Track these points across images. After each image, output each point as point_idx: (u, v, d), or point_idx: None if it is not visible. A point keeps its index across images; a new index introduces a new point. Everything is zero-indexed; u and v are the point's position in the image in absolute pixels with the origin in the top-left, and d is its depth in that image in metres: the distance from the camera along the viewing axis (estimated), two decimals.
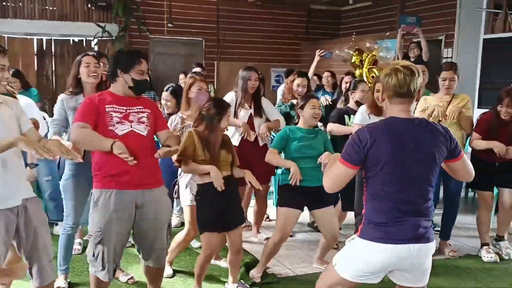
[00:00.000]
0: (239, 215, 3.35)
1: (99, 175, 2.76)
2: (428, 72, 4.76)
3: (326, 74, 6.61)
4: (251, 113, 4.35)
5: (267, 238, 4.00)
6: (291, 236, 4.51)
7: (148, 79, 2.87)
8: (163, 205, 2.89)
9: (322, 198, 3.47)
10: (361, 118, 3.95)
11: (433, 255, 2.32)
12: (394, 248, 2.16)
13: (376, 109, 3.84)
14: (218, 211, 3.16)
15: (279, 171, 3.95)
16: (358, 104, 4.31)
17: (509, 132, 4.03)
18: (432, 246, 2.25)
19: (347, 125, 4.29)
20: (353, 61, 8.70)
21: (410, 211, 2.19)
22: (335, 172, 2.25)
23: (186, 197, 3.52)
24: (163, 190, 2.92)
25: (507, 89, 4.07)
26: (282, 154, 3.66)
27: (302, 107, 3.63)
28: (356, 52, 8.65)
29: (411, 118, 2.21)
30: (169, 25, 9.84)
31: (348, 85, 4.81)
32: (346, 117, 4.34)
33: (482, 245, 4.27)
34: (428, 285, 2.35)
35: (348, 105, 4.48)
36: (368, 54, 8.50)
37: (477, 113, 4.58)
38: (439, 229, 4.30)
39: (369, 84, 8.55)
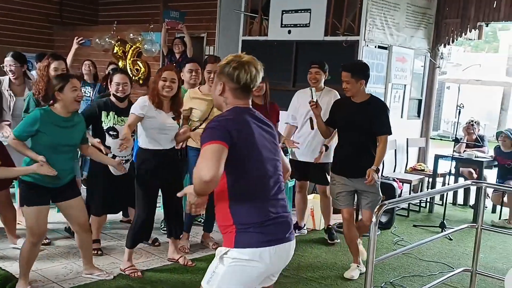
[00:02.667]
0: None
1: None
2: None
3: (86, 62, 5.92)
4: None
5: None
6: (49, 244, 4.15)
7: None
8: None
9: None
10: (141, 108, 3.63)
11: None
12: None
13: (157, 102, 3.63)
14: None
15: None
16: (117, 98, 3.93)
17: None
18: None
19: (103, 122, 3.89)
20: (115, 51, 8.17)
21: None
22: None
23: None
24: None
25: None
26: None
27: (61, 89, 3.16)
28: (119, 43, 8.16)
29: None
30: None
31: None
32: (104, 113, 3.89)
33: None
34: None
35: (110, 98, 4.05)
36: (131, 46, 8.10)
37: None
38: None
39: (135, 78, 8.18)
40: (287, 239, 2.10)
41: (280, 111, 4.80)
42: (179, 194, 2.17)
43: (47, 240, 4.19)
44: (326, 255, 4.55)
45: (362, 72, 3.91)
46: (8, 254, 3.97)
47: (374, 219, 2.48)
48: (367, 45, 6.00)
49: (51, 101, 3.27)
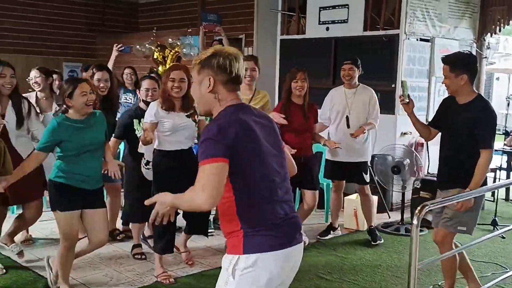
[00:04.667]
0: None
1: None
2: None
3: (127, 71, 6.02)
4: None
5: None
6: None
7: None
8: None
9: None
10: (152, 115, 3.61)
11: None
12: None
13: (167, 104, 3.59)
14: None
15: None
16: (147, 103, 3.93)
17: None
18: None
19: (137, 130, 3.84)
20: (155, 57, 8.29)
21: None
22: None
23: None
24: None
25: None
26: None
27: (70, 95, 3.16)
28: (158, 48, 8.27)
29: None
30: None
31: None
32: (135, 121, 3.86)
33: None
34: None
35: (139, 105, 4.09)
36: (170, 50, 8.20)
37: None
38: None
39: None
40: (297, 240, 1.98)
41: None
42: (146, 202, 2.02)
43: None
44: (370, 256, 4.42)
45: (464, 64, 3.20)
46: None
47: (415, 221, 2.36)
48: (408, 38, 5.81)
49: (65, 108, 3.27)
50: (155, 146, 3.71)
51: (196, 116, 3.74)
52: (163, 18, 9.85)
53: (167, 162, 3.64)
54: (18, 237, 4.23)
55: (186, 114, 3.67)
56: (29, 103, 3.99)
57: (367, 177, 4.77)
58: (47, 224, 4.54)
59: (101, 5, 10.28)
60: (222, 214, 1.98)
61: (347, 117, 4.56)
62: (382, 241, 4.72)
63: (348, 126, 4.52)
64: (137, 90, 5.72)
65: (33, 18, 9.29)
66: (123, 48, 5.90)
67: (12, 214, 4.79)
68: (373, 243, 4.70)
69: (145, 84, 4.03)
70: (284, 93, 4.41)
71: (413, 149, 5.51)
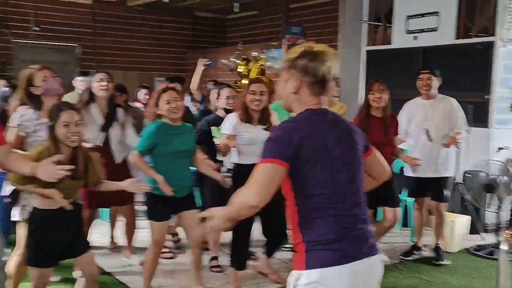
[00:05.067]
0: (84, 241, 2.94)
1: None
2: None
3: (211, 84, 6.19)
4: None
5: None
6: (172, 258, 4.33)
7: None
8: None
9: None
10: (231, 127, 3.64)
11: None
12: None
13: (246, 117, 3.60)
14: (58, 244, 2.73)
15: None
16: (227, 111, 3.98)
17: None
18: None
19: (215, 137, 3.94)
20: (239, 70, 8.44)
21: None
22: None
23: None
24: None
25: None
26: None
27: (157, 104, 3.39)
28: (244, 62, 8.42)
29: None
30: (35, 28, 8.80)
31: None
32: (214, 129, 3.97)
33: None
34: None
35: (217, 113, 4.15)
36: (255, 63, 8.30)
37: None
38: None
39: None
40: (365, 254, 1.82)
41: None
42: (201, 215, 1.91)
43: (170, 254, 4.38)
44: (457, 281, 4.06)
45: None
46: (126, 270, 4.13)
47: (504, 246, 2.12)
48: (505, 46, 5.36)
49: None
50: (232, 160, 3.74)
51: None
52: (249, 32, 10.03)
53: (245, 175, 3.61)
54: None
55: (263, 127, 3.66)
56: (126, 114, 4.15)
57: (446, 194, 4.44)
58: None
59: (191, 23, 10.71)
60: (290, 226, 1.90)
61: (427, 130, 4.28)
62: (446, 262, 4.42)
63: (430, 139, 4.23)
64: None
65: (131, 37, 9.91)
66: (209, 62, 6.07)
67: (102, 221, 5.07)
68: (435, 262, 4.40)
69: (225, 92, 4.10)
70: (362, 105, 4.25)
71: (508, 165, 5.03)
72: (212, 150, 3.99)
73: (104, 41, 9.61)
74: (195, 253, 3.54)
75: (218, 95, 4.25)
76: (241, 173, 3.62)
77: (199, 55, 9.60)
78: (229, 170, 3.85)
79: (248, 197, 1.75)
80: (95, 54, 9.48)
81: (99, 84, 3.87)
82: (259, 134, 3.61)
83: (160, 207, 3.35)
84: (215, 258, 4.19)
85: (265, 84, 3.76)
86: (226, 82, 7.67)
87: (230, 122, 3.65)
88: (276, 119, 3.78)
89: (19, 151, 2.92)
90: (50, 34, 8.98)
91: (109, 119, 3.92)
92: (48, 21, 8.93)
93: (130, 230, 4.28)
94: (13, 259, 3.15)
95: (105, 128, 3.89)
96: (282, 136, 1.80)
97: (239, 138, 3.62)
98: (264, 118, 3.66)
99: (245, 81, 8.15)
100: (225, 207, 1.85)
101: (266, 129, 3.65)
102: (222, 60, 7.78)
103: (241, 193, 1.78)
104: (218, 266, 4.15)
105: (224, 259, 4.15)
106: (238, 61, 8.36)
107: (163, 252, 4.34)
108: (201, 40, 10.72)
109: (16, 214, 3.12)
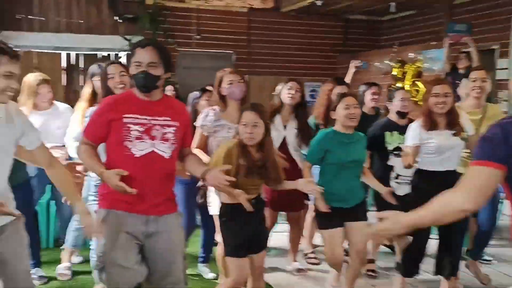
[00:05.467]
0: (264, 238, 3.06)
1: (106, 194, 2.38)
2: None
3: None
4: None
5: (301, 269, 4.08)
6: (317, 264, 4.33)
7: (149, 72, 2.32)
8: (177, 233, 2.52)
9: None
10: (414, 137, 3.39)
11: None
12: None
13: (430, 123, 3.31)
14: (246, 235, 2.85)
15: None
16: (401, 114, 3.77)
17: None
18: None
19: (388, 143, 3.73)
20: (394, 73, 7.99)
21: None
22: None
23: (215, 204, 3.14)
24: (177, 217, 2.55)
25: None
26: None
27: (334, 108, 3.30)
28: (399, 64, 7.96)
29: None
30: (197, 37, 9.42)
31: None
32: (387, 134, 3.73)
33: None
34: None
35: (389, 117, 3.90)
36: (411, 66, 7.79)
37: None
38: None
39: (414, 99, 7.85)
40: None
41: None
42: (380, 216, 1.79)
43: (317, 260, 4.33)
44: None
45: None
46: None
47: None
48: None
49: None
50: (418, 166, 3.49)
51: (462, 133, 3.38)
52: (406, 34, 9.47)
53: (429, 183, 3.32)
54: None
55: (452, 132, 3.35)
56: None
57: None
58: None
59: (343, 26, 10.49)
60: None
61: None
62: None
63: None
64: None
65: (283, 42, 10.05)
66: (361, 64, 5.84)
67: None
68: None
69: (400, 94, 3.88)
70: None
71: None
72: (383, 156, 3.80)
73: (257, 47, 9.89)
74: (354, 265, 3.37)
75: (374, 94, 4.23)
76: (424, 181, 3.39)
77: (349, 59, 9.36)
78: (397, 176, 3.66)
79: (460, 199, 1.57)
80: (249, 60, 9.81)
81: (288, 92, 3.94)
82: (447, 140, 3.32)
83: (327, 216, 3.26)
84: (371, 261, 4.02)
85: (449, 85, 3.45)
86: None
87: (414, 132, 3.40)
88: (467, 121, 3.45)
89: (200, 152, 3.09)
90: (208, 42, 9.52)
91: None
92: (207, 30, 9.47)
93: (297, 236, 4.20)
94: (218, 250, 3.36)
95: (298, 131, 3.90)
96: (496, 133, 1.56)
97: (424, 148, 3.35)
98: (451, 122, 3.34)
99: (401, 85, 7.72)
100: (414, 217, 1.72)
101: (455, 134, 3.35)
102: (376, 63, 7.46)
103: (448, 195, 1.62)
104: (374, 270, 4.05)
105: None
106: (393, 64, 7.94)
107: (311, 258, 4.30)
108: (353, 43, 10.44)
109: (210, 210, 3.35)
